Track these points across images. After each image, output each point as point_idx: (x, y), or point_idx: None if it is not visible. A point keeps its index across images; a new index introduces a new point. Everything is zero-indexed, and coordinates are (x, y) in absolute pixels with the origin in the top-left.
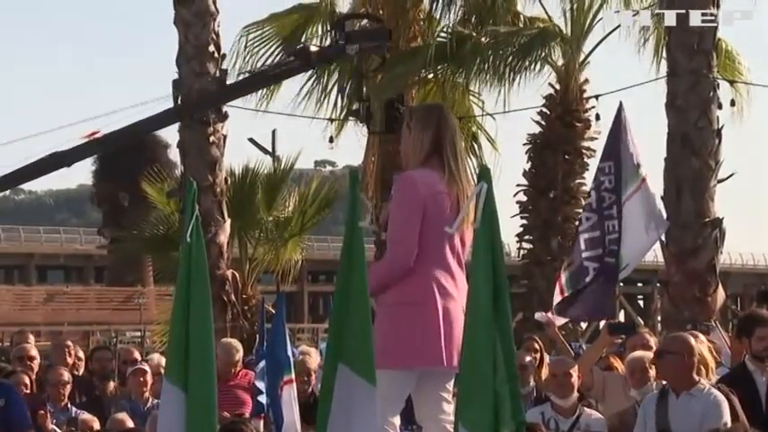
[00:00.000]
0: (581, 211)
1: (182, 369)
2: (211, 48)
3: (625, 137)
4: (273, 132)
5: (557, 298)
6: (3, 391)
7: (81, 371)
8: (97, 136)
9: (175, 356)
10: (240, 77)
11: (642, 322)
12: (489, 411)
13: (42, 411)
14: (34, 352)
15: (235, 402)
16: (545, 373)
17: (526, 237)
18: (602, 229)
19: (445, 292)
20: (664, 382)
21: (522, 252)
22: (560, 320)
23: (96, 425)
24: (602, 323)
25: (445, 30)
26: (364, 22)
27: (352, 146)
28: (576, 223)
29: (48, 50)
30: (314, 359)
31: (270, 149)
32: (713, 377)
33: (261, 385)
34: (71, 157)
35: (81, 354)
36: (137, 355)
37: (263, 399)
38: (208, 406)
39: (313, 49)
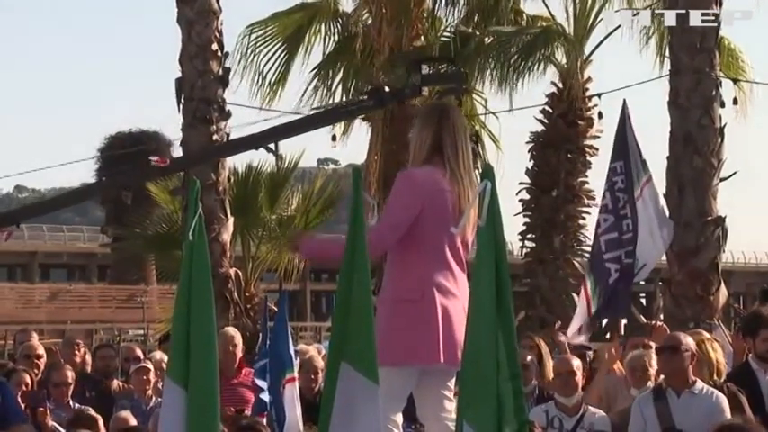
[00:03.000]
0: (598, 212)
1: (183, 367)
2: (214, 46)
3: (630, 135)
4: None
5: (583, 313)
6: None
7: (89, 368)
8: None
9: (177, 354)
10: (312, 112)
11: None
12: (493, 409)
13: (42, 408)
14: (41, 350)
15: (239, 400)
16: (549, 371)
17: (529, 235)
18: (619, 229)
19: (444, 289)
20: (658, 381)
21: (524, 250)
22: (579, 339)
23: (99, 422)
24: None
25: (448, 29)
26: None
27: (355, 144)
28: (580, 223)
29: (48, 51)
30: (321, 357)
31: (273, 148)
32: (721, 378)
33: (261, 383)
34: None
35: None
36: (139, 352)
37: (265, 396)
38: (209, 404)
39: (387, 89)
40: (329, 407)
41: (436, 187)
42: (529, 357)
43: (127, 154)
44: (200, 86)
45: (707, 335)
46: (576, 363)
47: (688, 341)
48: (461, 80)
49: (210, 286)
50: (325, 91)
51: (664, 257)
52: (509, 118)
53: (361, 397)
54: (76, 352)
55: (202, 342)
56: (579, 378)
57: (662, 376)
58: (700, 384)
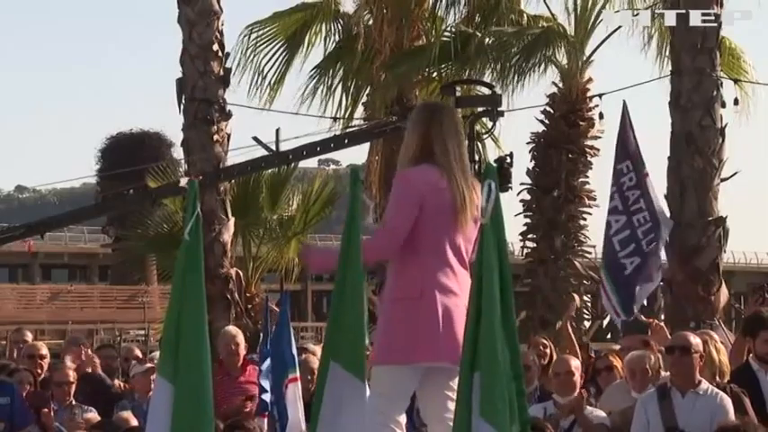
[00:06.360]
0: (607, 214)
1: (171, 363)
2: (215, 47)
3: (631, 135)
4: (277, 131)
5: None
6: (7, 389)
7: (91, 369)
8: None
9: (166, 351)
10: (346, 131)
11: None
12: (507, 408)
13: (46, 410)
14: (45, 351)
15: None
16: None
17: (530, 235)
18: (632, 226)
19: (444, 287)
20: (662, 381)
21: (525, 251)
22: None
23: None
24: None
25: (449, 29)
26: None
27: None
28: (581, 223)
29: (52, 50)
30: (317, 358)
31: (274, 148)
32: (724, 379)
33: (265, 384)
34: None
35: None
36: (138, 353)
37: (267, 397)
38: (199, 400)
39: None
40: (319, 405)
41: (433, 185)
42: (531, 358)
43: (128, 153)
44: (202, 87)
45: (712, 335)
46: (575, 363)
47: (697, 342)
48: (496, 103)
49: (202, 285)
50: (324, 91)
51: (665, 257)
52: (510, 118)
53: (349, 396)
54: (82, 353)
55: (193, 339)
56: (577, 378)
57: (665, 374)
58: (704, 385)
